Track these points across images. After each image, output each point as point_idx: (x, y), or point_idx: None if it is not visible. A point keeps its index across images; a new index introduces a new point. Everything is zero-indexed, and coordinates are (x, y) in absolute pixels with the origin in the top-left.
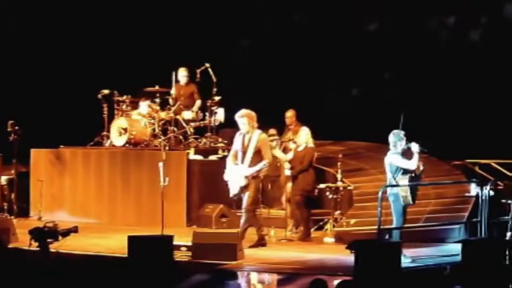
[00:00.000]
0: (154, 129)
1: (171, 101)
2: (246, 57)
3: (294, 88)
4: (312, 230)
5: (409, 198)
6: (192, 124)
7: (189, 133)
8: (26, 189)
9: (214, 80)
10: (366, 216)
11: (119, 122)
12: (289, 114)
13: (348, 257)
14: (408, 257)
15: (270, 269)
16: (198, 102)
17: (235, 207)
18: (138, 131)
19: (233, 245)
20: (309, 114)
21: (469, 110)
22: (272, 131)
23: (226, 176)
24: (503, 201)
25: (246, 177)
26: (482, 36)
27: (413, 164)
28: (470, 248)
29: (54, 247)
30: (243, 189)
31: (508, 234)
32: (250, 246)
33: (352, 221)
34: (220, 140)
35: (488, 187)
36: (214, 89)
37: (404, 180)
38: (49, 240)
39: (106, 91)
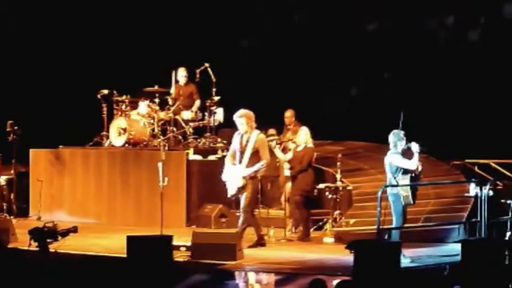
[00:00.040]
0: (153, 129)
1: (170, 101)
2: (246, 57)
3: (293, 88)
4: (311, 230)
5: (410, 197)
6: (192, 124)
7: (188, 133)
8: (26, 189)
9: (214, 80)
10: (365, 216)
11: (118, 122)
12: (288, 114)
13: (347, 257)
14: (408, 257)
15: (269, 269)
16: (198, 102)
17: (235, 207)
18: (137, 131)
19: (232, 245)
20: (308, 114)
21: (469, 110)
22: (272, 131)
23: (224, 176)
24: (503, 201)
25: (244, 177)
26: (481, 36)
27: (413, 163)
28: (470, 248)
29: (53, 247)
30: (241, 189)
31: (508, 234)
32: (250, 246)
33: (352, 221)
34: (219, 140)
35: (487, 187)
36: (214, 89)
37: (405, 180)
38: (48, 240)
39: (105, 91)
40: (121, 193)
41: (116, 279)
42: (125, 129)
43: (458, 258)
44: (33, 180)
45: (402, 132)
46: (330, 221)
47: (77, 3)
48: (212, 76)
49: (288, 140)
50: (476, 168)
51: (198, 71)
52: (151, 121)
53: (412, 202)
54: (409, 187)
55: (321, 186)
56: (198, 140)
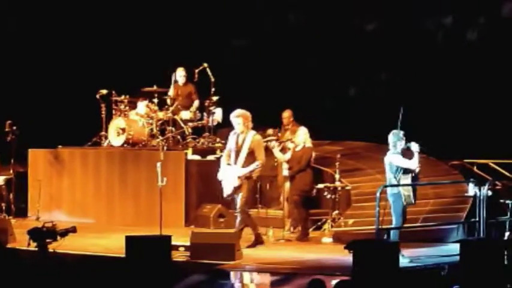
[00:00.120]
0: (152, 129)
1: (169, 101)
2: (245, 57)
3: (292, 88)
4: (310, 230)
5: (412, 197)
6: (190, 124)
7: (187, 133)
8: (24, 189)
9: (212, 80)
10: (364, 216)
11: (116, 122)
12: (286, 115)
13: (346, 257)
14: (406, 257)
15: (268, 269)
16: (196, 103)
17: (233, 207)
18: (136, 131)
19: (231, 245)
20: (307, 114)
21: (467, 110)
22: (270, 131)
23: (220, 176)
24: (501, 201)
25: (239, 177)
26: (479, 36)
27: (414, 163)
28: (469, 248)
29: (52, 247)
30: (237, 189)
31: (506, 234)
32: (249, 246)
33: (350, 221)
34: (218, 140)
35: (486, 187)
36: (213, 89)
37: (406, 180)
38: (48, 240)
39: (104, 91)
40: (120, 193)
41: (115, 279)
42: (123, 129)
43: (457, 258)
44: (32, 180)
45: (402, 132)
46: (328, 221)
47: (76, 3)
48: (211, 76)
49: (287, 140)
50: (475, 168)
51: (196, 71)
52: (150, 121)
53: (413, 202)
54: (410, 187)
55: (320, 186)
56: (197, 140)
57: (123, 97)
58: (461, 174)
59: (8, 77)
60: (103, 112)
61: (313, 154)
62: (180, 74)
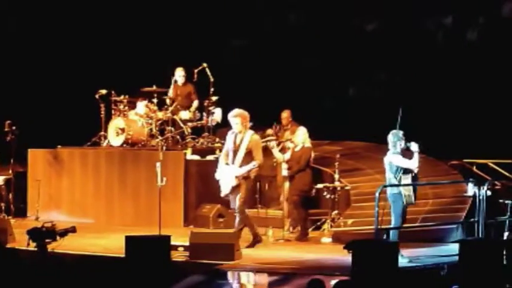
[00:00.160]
0: (151, 129)
1: (168, 101)
2: (244, 57)
3: (291, 88)
4: (310, 230)
5: (413, 197)
6: (190, 124)
7: (186, 133)
8: (24, 189)
9: (212, 80)
10: (364, 216)
11: (116, 122)
12: (285, 115)
13: (345, 257)
14: (406, 257)
15: (267, 269)
16: (196, 103)
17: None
18: (135, 131)
19: (230, 245)
20: (306, 114)
21: (467, 110)
22: (270, 131)
23: (218, 175)
24: (501, 201)
25: (237, 177)
26: (479, 36)
27: (414, 163)
28: (468, 248)
29: (51, 247)
30: (234, 188)
31: (506, 234)
32: (248, 246)
33: (350, 221)
34: (217, 140)
35: (485, 187)
36: (212, 89)
37: (407, 180)
38: (47, 240)
39: (103, 91)
40: (119, 193)
41: (114, 279)
42: (123, 129)
43: (456, 258)
44: (31, 180)
45: (401, 132)
46: (328, 221)
47: (75, 3)
48: (210, 76)
49: (287, 140)
50: (474, 168)
51: (196, 71)
52: (150, 121)
53: (414, 202)
54: (411, 186)
55: (319, 186)
56: (196, 140)
57: (122, 97)
58: (461, 174)
59: (7, 77)
60: (102, 112)
61: (313, 154)
62: (179, 74)
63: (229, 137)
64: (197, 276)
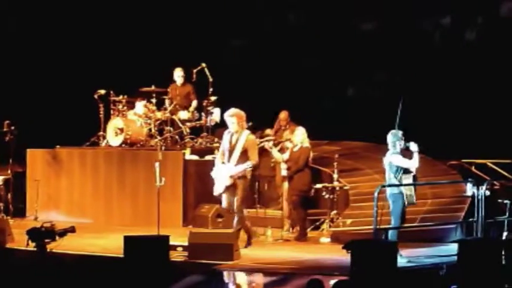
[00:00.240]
0: (150, 129)
1: (167, 102)
2: (243, 57)
3: (290, 88)
4: (308, 230)
5: (414, 197)
6: (188, 124)
7: (185, 133)
8: (22, 189)
9: (211, 80)
10: (362, 216)
11: (115, 122)
12: (283, 116)
13: (344, 257)
14: (404, 256)
15: (266, 269)
16: (194, 103)
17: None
18: (134, 131)
19: (229, 245)
20: (305, 114)
21: (466, 110)
22: (268, 131)
23: (213, 174)
24: (500, 201)
25: (231, 176)
26: (478, 36)
27: (414, 163)
28: (467, 247)
29: (50, 247)
30: (228, 188)
31: (504, 234)
32: (245, 247)
33: (349, 221)
34: (216, 140)
35: (484, 187)
36: (211, 89)
37: (408, 180)
38: (46, 240)
39: (102, 91)
40: (118, 193)
41: (113, 279)
42: (121, 129)
43: (455, 258)
44: (30, 180)
45: (401, 132)
46: (327, 221)
47: (75, 3)
48: (209, 76)
49: (286, 140)
50: (473, 168)
51: (194, 71)
52: (148, 121)
53: (415, 201)
54: (412, 186)
55: (318, 186)
56: (195, 140)
57: (121, 97)
58: (460, 174)
59: (6, 77)
60: (101, 112)
61: (311, 154)
62: (178, 74)
63: (226, 136)
64: (196, 276)
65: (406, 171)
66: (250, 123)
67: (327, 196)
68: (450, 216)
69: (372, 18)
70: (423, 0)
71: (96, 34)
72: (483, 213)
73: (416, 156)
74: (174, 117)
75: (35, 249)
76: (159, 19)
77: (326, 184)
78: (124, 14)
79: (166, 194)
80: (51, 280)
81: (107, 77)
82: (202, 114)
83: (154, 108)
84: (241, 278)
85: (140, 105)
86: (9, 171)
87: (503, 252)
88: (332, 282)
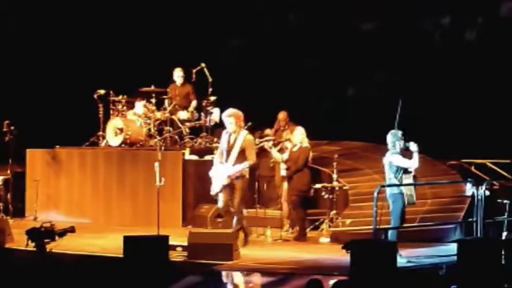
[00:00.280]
0: (150, 129)
1: (166, 102)
2: (243, 57)
3: (290, 88)
4: (308, 230)
5: (414, 197)
6: (188, 124)
7: (184, 133)
8: (22, 189)
9: (210, 80)
10: (362, 216)
11: (114, 122)
12: (282, 117)
13: (343, 257)
14: (404, 256)
15: (265, 269)
16: (194, 103)
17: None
18: (133, 131)
19: (229, 245)
20: (305, 114)
21: (466, 110)
22: (268, 131)
23: (211, 173)
24: (499, 201)
25: (229, 176)
26: (478, 36)
27: (414, 163)
28: (466, 247)
29: (49, 247)
30: (225, 187)
31: (504, 234)
32: (244, 246)
33: (348, 221)
34: (215, 140)
35: (483, 187)
36: (210, 89)
37: (408, 180)
38: (46, 240)
39: (102, 91)
40: (117, 193)
41: (113, 279)
42: (121, 129)
43: (455, 258)
44: (30, 180)
45: (400, 132)
46: (326, 221)
47: (75, 3)
48: (208, 76)
49: (286, 140)
50: (472, 168)
51: (194, 71)
52: (148, 121)
53: (415, 201)
54: (412, 186)
55: (318, 186)
56: (194, 140)
57: (120, 97)
58: (459, 174)
59: (6, 77)
60: (101, 112)
61: (311, 154)
62: (177, 74)
63: (224, 136)
64: (195, 277)
65: (407, 171)
66: (249, 123)
67: (326, 196)
68: (450, 216)
69: (372, 18)
70: (423, 0)
71: (96, 34)
72: (482, 213)
73: (416, 156)
74: (173, 117)
75: (35, 249)
76: (158, 19)
77: (325, 184)
78: (124, 14)
79: (165, 194)
80: (50, 280)
81: (107, 77)
82: (202, 114)
83: (153, 108)
84: (241, 278)
85: (140, 105)
86: (8, 171)
87: (502, 252)
88: (331, 282)
